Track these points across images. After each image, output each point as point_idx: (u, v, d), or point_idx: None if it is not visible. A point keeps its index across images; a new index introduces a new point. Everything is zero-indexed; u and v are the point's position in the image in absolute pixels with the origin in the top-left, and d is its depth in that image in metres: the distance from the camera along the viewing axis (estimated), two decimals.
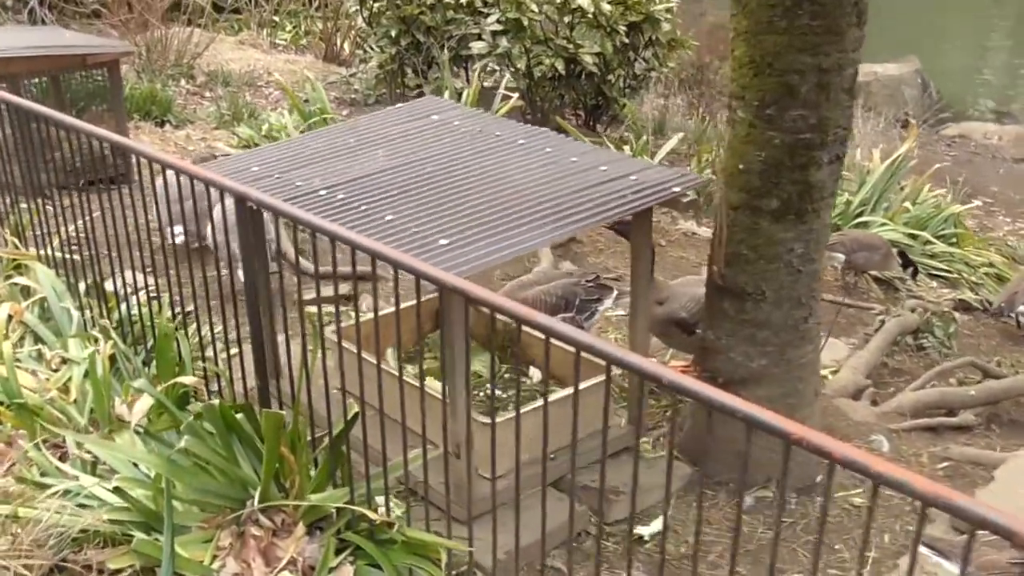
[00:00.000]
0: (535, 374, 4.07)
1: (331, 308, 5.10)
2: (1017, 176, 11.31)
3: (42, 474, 3.42)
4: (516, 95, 8.18)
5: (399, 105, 4.50)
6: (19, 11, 10.29)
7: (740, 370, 3.54)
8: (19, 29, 8.55)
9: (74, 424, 3.65)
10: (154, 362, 3.97)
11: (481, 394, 4.01)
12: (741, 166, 3.33)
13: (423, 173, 3.68)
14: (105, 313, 4.23)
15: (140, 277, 4.14)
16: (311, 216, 2.88)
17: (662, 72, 10.01)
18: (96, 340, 4.10)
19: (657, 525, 3.55)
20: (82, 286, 4.30)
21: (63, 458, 3.55)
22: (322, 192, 3.55)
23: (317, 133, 4.17)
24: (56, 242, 4.45)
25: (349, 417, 3.12)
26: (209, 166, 3.86)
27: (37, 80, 6.82)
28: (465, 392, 3.32)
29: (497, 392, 4.01)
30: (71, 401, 3.74)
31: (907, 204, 7.05)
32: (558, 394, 3.61)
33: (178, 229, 5.33)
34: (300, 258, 5.62)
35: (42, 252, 4.49)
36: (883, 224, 6.92)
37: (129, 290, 4.14)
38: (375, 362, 3.07)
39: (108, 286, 4.25)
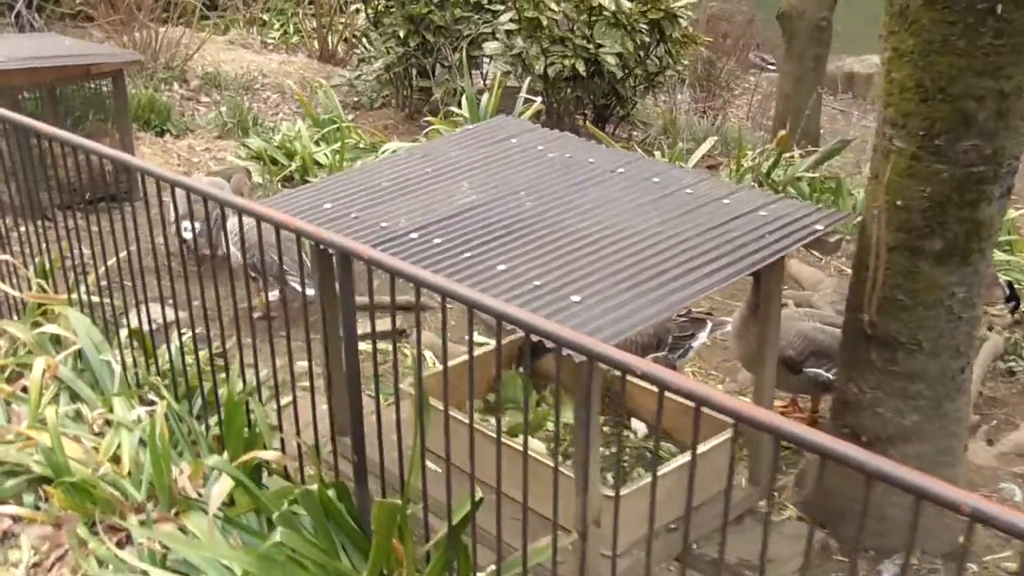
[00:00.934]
0: (639, 428, 3.67)
1: (384, 344, 4.68)
2: None
3: (101, 564, 2.99)
4: (539, 99, 7.75)
5: (469, 127, 4.07)
6: (3, 14, 9.70)
7: (888, 427, 3.16)
8: (16, 38, 8.00)
9: (131, 501, 3.21)
10: (209, 423, 3.53)
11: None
12: (900, 203, 2.94)
13: (522, 210, 3.26)
14: (147, 365, 3.77)
15: (165, 311, 3.69)
16: (444, 280, 2.45)
17: (676, 70, 9.62)
18: (144, 399, 3.66)
19: None
20: (123, 333, 3.84)
21: (121, 544, 3.12)
22: (413, 235, 3.12)
23: (385, 162, 3.73)
24: (90, 280, 3.99)
25: (473, 502, 2.70)
26: (274, 203, 3.41)
27: (34, 92, 6.31)
28: (596, 464, 2.91)
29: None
30: (125, 474, 3.29)
31: None
32: (678, 460, 3.20)
33: (186, 224, 4.88)
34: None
35: (73, 296, 4.02)
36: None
37: (155, 326, 3.70)
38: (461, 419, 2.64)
39: (133, 320, 3.82)
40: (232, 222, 4.61)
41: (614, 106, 9.47)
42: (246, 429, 3.25)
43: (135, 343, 3.88)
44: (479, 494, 2.73)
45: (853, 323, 3.19)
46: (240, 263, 4.09)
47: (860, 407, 3.20)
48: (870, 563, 3.37)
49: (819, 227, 3.06)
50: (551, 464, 3.05)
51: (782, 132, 6.74)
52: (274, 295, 4.88)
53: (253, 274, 4.89)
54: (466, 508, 2.72)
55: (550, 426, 3.73)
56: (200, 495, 3.21)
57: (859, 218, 3.15)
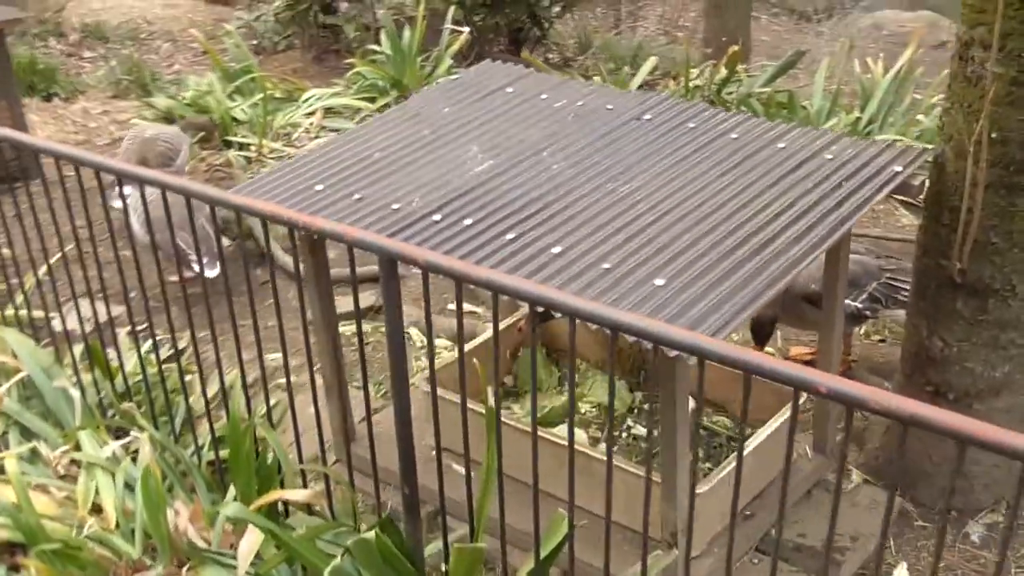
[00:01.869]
0: (691, 406, 3.28)
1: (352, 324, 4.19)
2: None
3: None
4: (467, 29, 7.21)
5: (454, 77, 3.56)
6: None
7: (979, 382, 2.84)
8: None
9: (127, 560, 2.71)
10: (201, 453, 3.03)
11: (624, 436, 3.21)
12: (995, 135, 2.57)
13: (551, 175, 2.81)
14: (112, 388, 3.23)
15: (99, 308, 3.16)
16: (535, 286, 1.99)
17: None
18: (111, 429, 3.13)
19: None
20: (77, 350, 3.28)
21: None
22: (436, 217, 2.64)
23: (369, 127, 3.21)
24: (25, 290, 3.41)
25: (564, 531, 2.29)
26: (253, 189, 2.88)
27: None
28: (685, 467, 2.53)
29: (638, 429, 3.22)
30: (112, 526, 2.78)
31: (920, 116, 6.45)
32: (757, 438, 2.84)
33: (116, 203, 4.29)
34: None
35: (6, 312, 3.43)
36: (896, 140, 6.30)
37: (88, 327, 3.16)
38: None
39: (57, 325, 3.26)
40: (134, 195, 4.03)
41: (528, 28, 8.95)
42: (254, 463, 2.76)
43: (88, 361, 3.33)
44: (564, 516, 2.31)
45: (934, 271, 2.84)
46: (145, 242, 3.54)
47: (947, 362, 2.87)
48: (953, 524, 3.09)
49: (897, 168, 2.68)
50: (635, 471, 2.67)
51: (734, 48, 6.34)
52: (214, 273, 4.33)
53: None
54: (557, 536, 2.30)
55: (580, 406, 3.33)
56: (208, 542, 2.73)
57: (932, 152, 2.78)
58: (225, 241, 4.82)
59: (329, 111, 6.56)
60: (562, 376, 3.46)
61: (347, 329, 4.22)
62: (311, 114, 6.50)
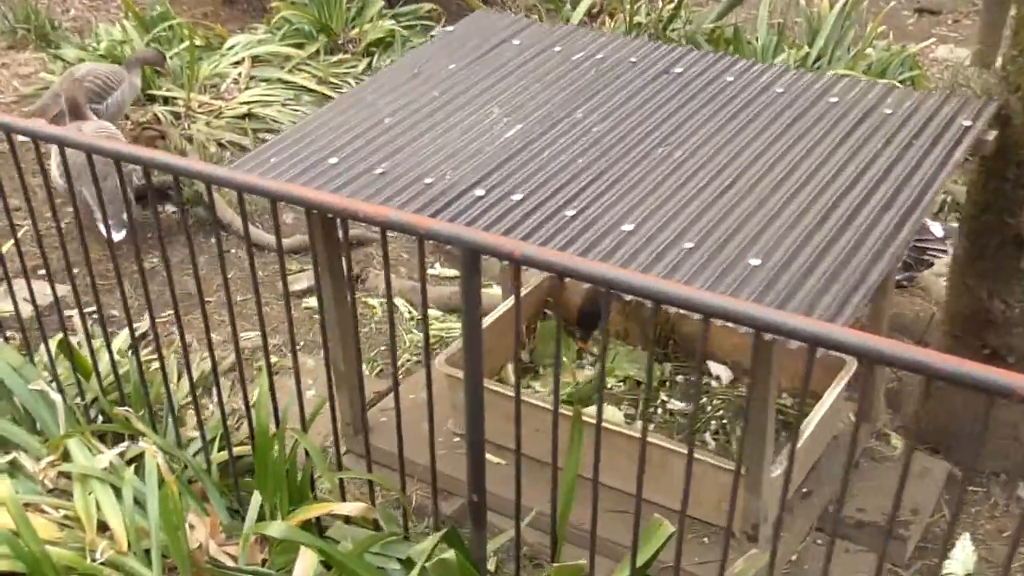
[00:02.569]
0: (721, 373, 3.11)
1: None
2: None
3: None
4: None
5: (445, 29, 3.26)
6: None
7: None
8: None
9: None
10: (211, 456, 2.75)
11: (660, 412, 3.02)
12: None
13: (592, 140, 2.57)
14: (101, 387, 2.91)
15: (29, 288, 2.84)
16: (648, 279, 1.76)
17: None
18: (100, 435, 2.82)
19: (962, 555, 2.75)
20: (52, 346, 2.93)
21: None
22: (479, 192, 2.39)
23: (370, 89, 2.91)
24: None
25: (664, 536, 2.10)
26: (257, 164, 2.58)
27: None
28: (769, 456, 2.36)
29: (675, 405, 3.04)
30: (123, 548, 2.49)
31: (868, 50, 6.36)
32: (817, 414, 2.69)
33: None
34: (252, 227, 4.34)
35: None
36: (845, 75, 6.20)
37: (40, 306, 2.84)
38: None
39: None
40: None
41: None
42: (286, 471, 2.49)
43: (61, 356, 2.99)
44: (662, 521, 2.13)
45: (996, 229, 2.71)
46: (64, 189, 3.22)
47: (1009, 324, 2.76)
48: (1003, 487, 3.01)
49: (966, 122, 2.52)
50: (715, 462, 2.49)
51: None
52: (121, 236, 3.97)
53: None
54: (656, 543, 2.11)
55: (608, 381, 3.14)
56: (233, 557, 2.47)
57: (991, 103, 2.63)
58: (174, 208, 4.44)
59: (256, 59, 6.14)
60: (581, 349, 3.26)
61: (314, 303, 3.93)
62: (238, 63, 6.06)
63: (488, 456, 2.93)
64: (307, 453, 2.49)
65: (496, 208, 2.33)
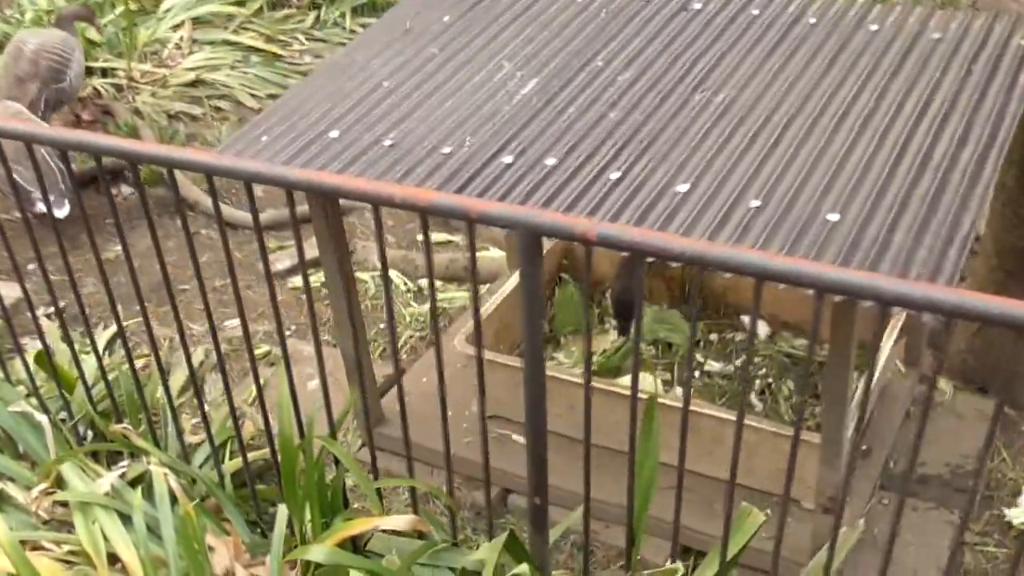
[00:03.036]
0: (759, 328, 2.91)
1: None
2: None
3: None
4: None
5: None
6: None
7: None
8: None
9: None
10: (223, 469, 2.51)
11: (697, 375, 2.82)
12: None
13: (621, 90, 2.33)
14: (92, 403, 2.63)
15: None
16: (743, 252, 1.54)
17: None
18: (92, 455, 2.56)
19: None
20: (30, 360, 2.65)
21: None
22: (506, 160, 2.14)
23: (359, 50, 2.63)
24: None
25: (755, 525, 1.91)
26: (245, 146, 2.30)
27: None
28: (846, 425, 2.17)
29: (712, 366, 2.85)
30: None
31: None
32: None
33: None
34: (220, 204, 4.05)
35: None
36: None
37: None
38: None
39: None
40: None
41: None
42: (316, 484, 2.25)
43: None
44: (752, 509, 1.93)
45: None
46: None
47: None
48: None
49: (1021, 41, 2.32)
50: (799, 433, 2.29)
51: None
52: (63, 212, 3.68)
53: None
54: (747, 533, 1.91)
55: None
56: None
57: None
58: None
59: (196, 21, 5.78)
60: (601, 312, 3.04)
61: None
62: (177, 27, 5.70)
63: (515, 437, 2.75)
64: (336, 461, 2.26)
65: (529, 176, 2.08)
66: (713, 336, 2.90)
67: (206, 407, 2.96)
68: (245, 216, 3.95)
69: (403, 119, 2.32)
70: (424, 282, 3.58)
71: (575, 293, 2.99)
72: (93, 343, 2.45)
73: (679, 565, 1.94)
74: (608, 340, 2.94)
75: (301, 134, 2.31)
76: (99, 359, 2.48)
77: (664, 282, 2.98)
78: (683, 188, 2.00)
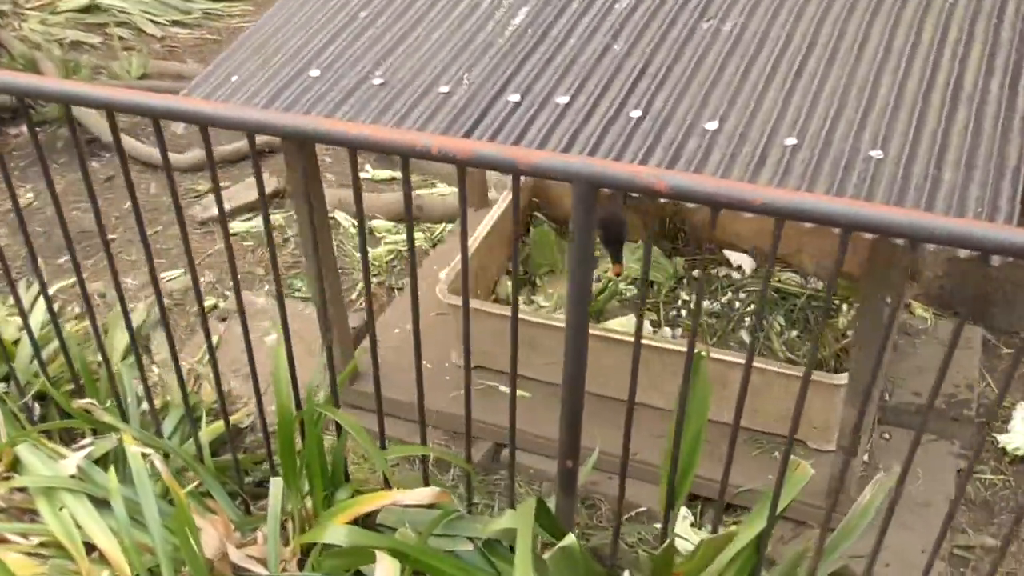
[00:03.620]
0: (743, 262, 2.83)
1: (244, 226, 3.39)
2: None
3: None
4: None
5: None
6: None
7: None
8: None
9: None
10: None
11: (684, 315, 2.73)
12: None
13: (621, 19, 2.18)
14: (46, 374, 2.40)
15: None
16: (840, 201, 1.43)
17: None
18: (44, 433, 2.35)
19: (1021, 426, 2.61)
20: None
21: None
22: (512, 98, 1.98)
23: None
24: None
25: (804, 481, 1.84)
26: (208, 86, 2.08)
27: None
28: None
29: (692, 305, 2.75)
30: (129, 574, 2.06)
31: None
32: None
33: None
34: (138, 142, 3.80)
35: None
36: None
37: None
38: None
39: None
40: None
41: None
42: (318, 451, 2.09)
43: None
44: (801, 462, 1.86)
45: None
46: None
47: None
48: None
49: None
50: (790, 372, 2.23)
51: None
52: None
53: None
54: (795, 487, 1.84)
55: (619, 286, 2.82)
56: (262, 562, 2.08)
57: None
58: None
59: None
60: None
61: (241, 227, 3.45)
62: None
63: (503, 388, 2.62)
64: (339, 428, 2.09)
65: (542, 117, 1.93)
66: (696, 272, 2.81)
67: (156, 370, 2.78)
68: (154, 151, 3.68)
69: (388, 54, 2.13)
70: (376, 223, 3.39)
71: (550, 235, 2.85)
72: (19, 302, 2.20)
73: (733, 529, 1.84)
74: None
75: (276, 73, 2.11)
76: (55, 320, 2.23)
77: (640, 216, 2.86)
78: (711, 126, 1.87)
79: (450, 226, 3.32)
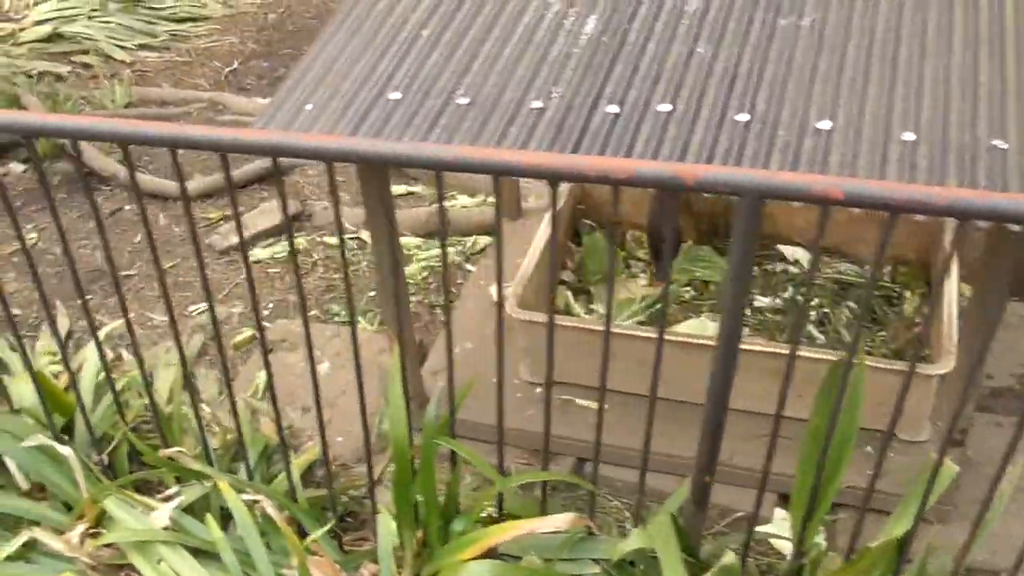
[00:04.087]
0: (796, 254, 2.82)
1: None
2: None
3: None
4: None
5: None
6: None
7: None
8: None
9: None
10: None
11: (748, 313, 2.72)
12: None
13: (696, 20, 2.14)
14: (85, 422, 2.30)
15: None
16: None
17: None
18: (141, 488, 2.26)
19: None
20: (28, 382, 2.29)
21: None
22: (610, 110, 1.94)
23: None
24: None
25: (950, 479, 1.83)
26: (277, 114, 2.01)
27: None
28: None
29: (760, 302, 2.74)
30: None
31: None
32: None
33: None
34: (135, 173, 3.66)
35: None
36: None
37: None
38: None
39: None
40: None
41: None
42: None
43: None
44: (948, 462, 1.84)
45: None
46: None
47: None
48: None
49: None
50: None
51: None
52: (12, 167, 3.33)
53: None
54: (943, 485, 1.83)
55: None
56: None
57: None
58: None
59: None
60: (627, 256, 2.88)
61: (263, 254, 3.35)
62: None
63: (580, 401, 2.58)
64: (453, 457, 2.03)
65: (647, 126, 1.89)
66: (754, 270, 2.79)
67: (207, 408, 2.69)
68: (171, 185, 3.55)
69: (464, 72, 2.07)
70: (405, 240, 3.32)
71: (601, 241, 2.81)
72: (63, 350, 2.11)
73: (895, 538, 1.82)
74: (639, 285, 2.79)
75: (352, 99, 2.03)
76: (107, 369, 2.14)
77: (691, 217, 2.84)
78: (824, 125, 1.85)
79: (483, 239, 3.26)
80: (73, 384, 2.21)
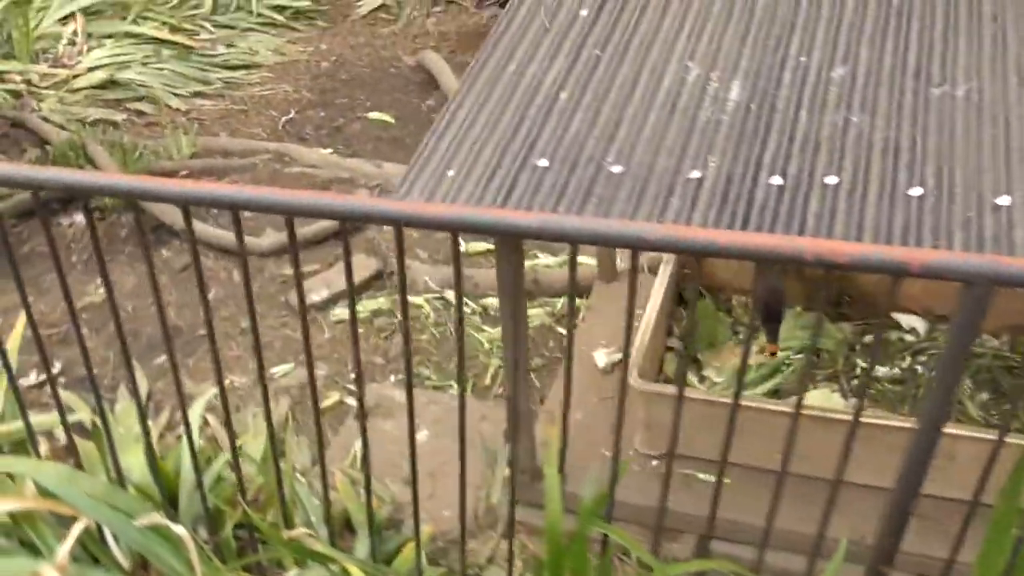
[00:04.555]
0: (916, 325, 2.74)
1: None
2: None
3: None
4: None
5: None
6: None
7: None
8: None
9: None
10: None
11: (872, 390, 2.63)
12: None
13: (845, 87, 2.08)
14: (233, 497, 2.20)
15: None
16: None
17: None
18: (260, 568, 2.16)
19: None
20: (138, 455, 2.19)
21: None
22: (774, 181, 1.87)
23: (502, 54, 2.26)
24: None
25: None
26: (430, 178, 1.93)
27: None
28: None
29: (877, 371, 2.66)
30: None
31: None
32: None
33: None
34: (206, 226, 3.60)
35: None
36: None
37: None
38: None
39: None
40: None
41: None
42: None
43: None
44: None
45: None
46: None
47: None
48: None
49: None
50: None
51: None
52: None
53: None
54: None
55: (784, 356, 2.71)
56: None
57: None
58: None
59: (87, 13, 5.11)
60: (734, 322, 2.81)
61: (346, 314, 3.26)
62: (65, 20, 5.04)
63: (701, 475, 2.50)
64: (605, 543, 1.94)
65: (815, 199, 1.82)
66: (867, 338, 2.71)
67: (302, 479, 2.60)
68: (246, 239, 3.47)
69: (611, 138, 2.00)
70: (488, 301, 3.23)
71: (709, 306, 2.74)
72: (187, 425, 2.02)
73: None
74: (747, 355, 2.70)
75: (498, 166, 1.96)
76: (234, 452, 2.04)
77: (801, 283, 2.76)
78: (1003, 201, 1.78)
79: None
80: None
